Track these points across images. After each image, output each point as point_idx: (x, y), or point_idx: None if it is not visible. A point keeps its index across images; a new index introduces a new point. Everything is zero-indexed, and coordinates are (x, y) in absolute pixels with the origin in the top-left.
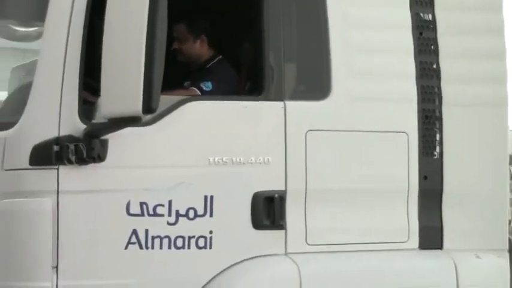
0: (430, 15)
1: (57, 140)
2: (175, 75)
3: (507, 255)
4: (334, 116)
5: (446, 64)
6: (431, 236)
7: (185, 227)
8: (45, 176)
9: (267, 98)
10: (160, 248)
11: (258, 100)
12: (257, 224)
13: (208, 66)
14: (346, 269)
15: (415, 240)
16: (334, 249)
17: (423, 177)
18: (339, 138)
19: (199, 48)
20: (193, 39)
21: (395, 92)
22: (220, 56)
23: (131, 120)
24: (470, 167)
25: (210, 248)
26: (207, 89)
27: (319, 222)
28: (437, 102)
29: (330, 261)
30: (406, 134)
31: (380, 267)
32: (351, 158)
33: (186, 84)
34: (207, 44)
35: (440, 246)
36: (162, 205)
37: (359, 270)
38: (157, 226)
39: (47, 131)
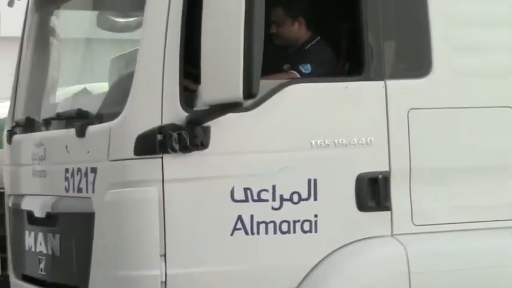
0: None
1: (161, 129)
2: (274, 58)
3: None
4: (436, 93)
5: None
6: None
7: (290, 212)
8: (150, 165)
9: (367, 78)
10: (266, 233)
11: (358, 80)
12: (362, 205)
13: (306, 48)
14: (455, 249)
15: None
16: (441, 229)
17: None
18: (442, 115)
19: (297, 31)
20: (291, 22)
21: (499, 66)
22: (318, 38)
23: (232, 106)
24: None
25: (316, 231)
26: (307, 72)
27: (425, 202)
28: None
29: (437, 241)
30: (511, 108)
31: (490, 246)
32: (455, 135)
33: (285, 67)
34: (305, 26)
35: None
36: (266, 190)
37: (468, 250)
38: (262, 211)
39: (150, 121)
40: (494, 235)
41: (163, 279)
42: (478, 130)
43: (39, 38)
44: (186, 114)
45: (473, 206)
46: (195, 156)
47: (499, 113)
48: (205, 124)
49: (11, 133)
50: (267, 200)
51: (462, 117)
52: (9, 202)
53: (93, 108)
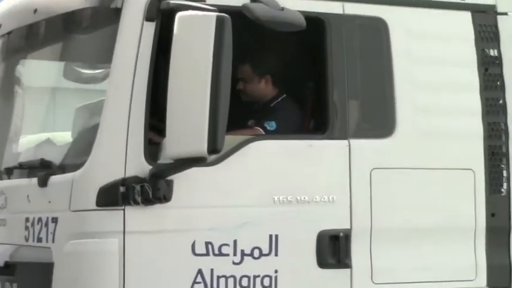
0: (496, 51)
1: (123, 181)
2: (239, 114)
3: None
4: (399, 153)
5: None
6: (499, 274)
7: (250, 267)
8: (112, 216)
9: (331, 137)
10: (226, 287)
11: (322, 138)
12: (322, 262)
13: (272, 105)
14: None
15: (482, 279)
16: None
17: (491, 215)
18: (405, 176)
19: (264, 88)
20: (258, 79)
21: (461, 128)
22: (284, 95)
23: (196, 161)
24: None
25: (276, 287)
26: (271, 128)
27: (385, 261)
28: (503, 139)
29: None
30: (473, 171)
31: None
32: (416, 196)
33: (250, 123)
34: (272, 83)
35: (508, 285)
36: (228, 245)
37: None
38: (223, 266)
39: (113, 172)
40: None
41: None
42: (440, 191)
43: (4, 86)
44: (149, 167)
45: (433, 266)
46: (158, 209)
47: (461, 175)
48: (169, 177)
49: None
50: (227, 255)
51: (424, 178)
52: None
53: (56, 158)
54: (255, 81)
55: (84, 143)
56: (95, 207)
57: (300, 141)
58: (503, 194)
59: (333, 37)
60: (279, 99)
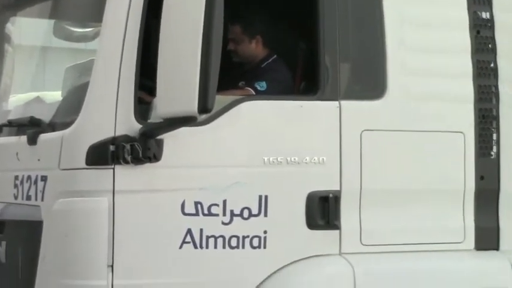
0: (488, 14)
1: (113, 140)
2: (230, 75)
3: None
4: (389, 115)
5: (504, 63)
6: (487, 237)
7: (239, 227)
8: (101, 175)
9: (322, 98)
10: (215, 247)
11: (313, 100)
12: (311, 223)
13: (262, 66)
14: (401, 270)
15: (471, 241)
16: (389, 250)
17: (480, 178)
18: (395, 138)
19: (254, 49)
20: (248, 40)
21: (452, 91)
22: (275, 56)
23: (186, 120)
24: None
25: (265, 247)
26: (262, 89)
27: (374, 223)
28: (494, 102)
29: (384, 261)
30: (463, 133)
31: (435, 268)
32: (406, 158)
33: (240, 84)
34: (262, 44)
35: (496, 247)
36: (217, 205)
37: (413, 271)
38: (212, 226)
39: (103, 131)
40: (440, 258)
41: None
42: (429, 154)
43: None
44: (139, 126)
45: (422, 228)
46: (147, 168)
47: (451, 137)
48: (159, 137)
49: None
50: (217, 215)
51: (414, 141)
52: None
53: (45, 116)
54: (246, 42)
55: (74, 102)
56: (84, 165)
57: (291, 102)
58: (492, 157)
59: None
60: (270, 60)
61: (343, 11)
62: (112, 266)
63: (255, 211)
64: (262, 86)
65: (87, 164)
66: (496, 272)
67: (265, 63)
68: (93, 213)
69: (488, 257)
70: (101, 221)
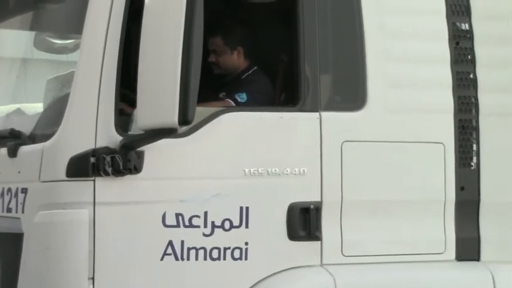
0: (467, 25)
1: (94, 152)
2: (210, 87)
3: None
4: (370, 126)
5: (483, 74)
6: (468, 248)
7: (221, 238)
8: (82, 187)
9: (303, 109)
10: (196, 259)
11: (293, 111)
12: (293, 235)
13: (243, 77)
14: (382, 281)
15: (451, 252)
16: (370, 261)
17: (460, 188)
18: (375, 149)
19: (236, 60)
20: (230, 51)
21: (432, 102)
22: (256, 67)
23: (167, 132)
24: (508, 178)
25: (246, 259)
26: (242, 100)
27: (355, 234)
28: (474, 112)
29: (365, 272)
30: (443, 144)
31: (416, 279)
32: (387, 169)
33: (221, 95)
34: (244, 55)
35: (477, 258)
36: (198, 216)
37: (395, 282)
38: (193, 237)
39: (83, 143)
40: (421, 268)
41: None
42: (409, 165)
43: None
44: (120, 138)
45: (403, 239)
46: (128, 180)
47: (432, 148)
48: (139, 149)
49: None
50: (198, 226)
51: (394, 152)
52: None
53: (26, 128)
54: (228, 53)
55: (54, 114)
56: (64, 177)
57: (271, 113)
58: (472, 168)
59: (305, 9)
60: (250, 72)
61: (323, 22)
62: (93, 279)
63: (236, 222)
64: (242, 97)
65: (67, 176)
66: (476, 282)
67: (246, 74)
68: (74, 226)
69: (469, 268)
70: (81, 233)
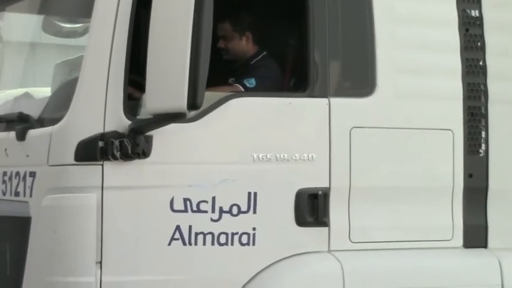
0: (477, 12)
1: (102, 136)
2: (219, 73)
3: None
4: (379, 113)
5: (493, 61)
6: (475, 235)
7: (228, 224)
8: (90, 171)
9: (312, 95)
10: (204, 244)
11: (302, 96)
12: (300, 221)
13: (252, 63)
14: (390, 267)
15: (459, 239)
16: (378, 247)
17: (468, 175)
18: (384, 135)
19: (245, 45)
20: (239, 37)
21: (441, 89)
22: (265, 53)
23: (176, 117)
24: None
25: (253, 244)
26: (251, 86)
27: (363, 220)
28: (483, 100)
29: (373, 258)
30: (452, 131)
31: (423, 266)
32: (395, 155)
33: (230, 81)
34: (252, 41)
35: (484, 245)
36: (206, 201)
37: (402, 269)
38: (201, 222)
39: (92, 127)
40: (429, 255)
41: (98, 286)
42: (418, 151)
43: None
44: (129, 122)
45: (410, 225)
46: (136, 164)
47: (440, 135)
48: (148, 133)
49: None
50: (206, 211)
51: (403, 138)
52: None
53: (34, 112)
54: (236, 39)
55: (63, 98)
56: (73, 161)
57: (280, 99)
58: (481, 155)
59: None
60: (259, 57)
61: (332, 7)
62: (100, 263)
63: (244, 208)
64: (251, 82)
65: (76, 160)
66: (484, 269)
67: (255, 60)
68: (82, 210)
69: (476, 255)
70: (89, 217)
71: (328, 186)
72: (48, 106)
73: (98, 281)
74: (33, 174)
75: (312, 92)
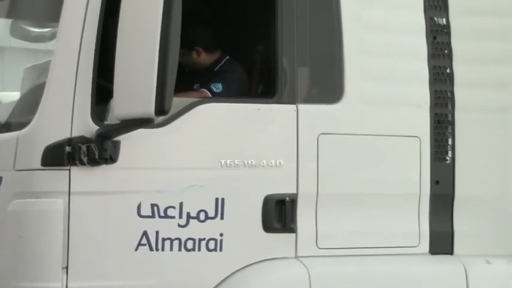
0: (444, 20)
1: (70, 141)
2: (184, 79)
3: None
4: (346, 119)
5: (460, 69)
6: (441, 241)
7: (196, 229)
8: (57, 176)
9: (280, 101)
10: (171, 250)
11: (270, 103)
12: (268, 227)
13: (216, 69)
14: (356, 273)
15: (425, 245)
16: (345, 253)
17: (435, 182)
18: (351, 142)
19: (197, 59)
20: (188, 53)
21: (408, 96)
22: (228, 57)
23: (143, 122)
24: (482, 172)
25: (221, 250)
26: (218, 90)
27: (330, 226)
28: (450, 107)
29: (339, 265)
30: (419, 138)
31: (390, 272)
32: (362, 162)
33: (195, 86)
34: (206, 52)
35: (450, 251)
36: (173, 207)
37: (369, 274)
38: (168, 228)
39: (59, 132)
40: (395, 261)
41: None
42: (385, 158)
43: None
44: (96, 127)
45: (377, 232)
46: (104, 170)
47: (407, 142)
48: (116, 138)
49: None
50: (173, 217)
51: (370, 145)
52: None
53: (2, 116)
54: (187, 54)
55: (30, 102)
56: (39, 166)
57: (248, 105)
58: (447, 162)
59: (283, 1)
60: (222, 62)
61: (301, 14)
62: (67, 268)
63: (211, 214)
64: (218, 87)
65: (42, 165)
66: (449, 276)
67: (218, 65)
68: (48, 215)
69: (442, 261)
70: (56, 222)
71: (295, 192)
72: (16, 110)
73: (64, 286)
74: None
75: (280, 98)
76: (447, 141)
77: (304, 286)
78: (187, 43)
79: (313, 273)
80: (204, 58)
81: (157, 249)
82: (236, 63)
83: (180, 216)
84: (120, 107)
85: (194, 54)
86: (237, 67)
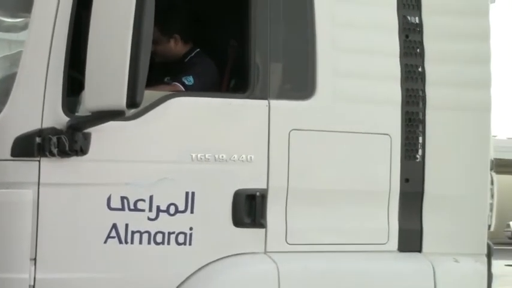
0: (417, 18)
1: (40, 132)
2: (154, 71)
3: (485, 259)
4: (318, 116)
5: (432, 67)
6: (410, 239)
7: (165, 223)
8: (27, 167)
9: (252, 96)
10: (140, 243)
11: (242, 98)
12: (238, 221)
13: (186, 60)
14: (325, 269)
15: (394, 243)
16: (314, 249)
17: (405, 180)
18: (322, 138)
19: (174, 47)
20: (166, 40)
21: (380, 93)
22: (198, 50)
23: (115, 114)
24: (452, 171)
25: (190, 244)
26: (189, 83)
27: (300, 222)
28: (421, 105)
29: (309, 261)
30: (389, 136)
31: (358, 268)
32: (333, 158)
33: (166, 79)
34: (182, 41)
35: (419, 249)
36: (143, 200)
37: (337, 271)
38: (138, 221)
39: (29, 123)
40: (364, 259)
41: (32, 283)
42: (356, 155)
43: None
44: (67, 119)
45: (347, 228)
46: (74, 161)
47: (378, 139)
48: (86, 130)
49: None
50: (143, 210)
51: (341, 142)
52: None
53: None
54: (164, 42)
55: (1, 92)
56: (9, 157)
57: (220, 100)
58: (418, 160)
59: None
60: (193, 54)
61: (274, 10)
62: (35, 260)
63: (181, 207)
64: (189, 80)
65: (12, 155)
66: (417, 274)
67: (189, 57)
68: (17, 206)
69: (410, 259)
70: (24, 213)
71: (266, 187)
72: None
73: (32, 278)
74: None
75: (252, 93)
76: (418, 139)
77: (272, 282)
78: (168, 30)
79: (282, 268)
80: (179, 48)
81: (126, 242)
82: (205, 56)
83: (150, 210)
84: (92, 99)
85: (172, 42)
86: (206, 59)
